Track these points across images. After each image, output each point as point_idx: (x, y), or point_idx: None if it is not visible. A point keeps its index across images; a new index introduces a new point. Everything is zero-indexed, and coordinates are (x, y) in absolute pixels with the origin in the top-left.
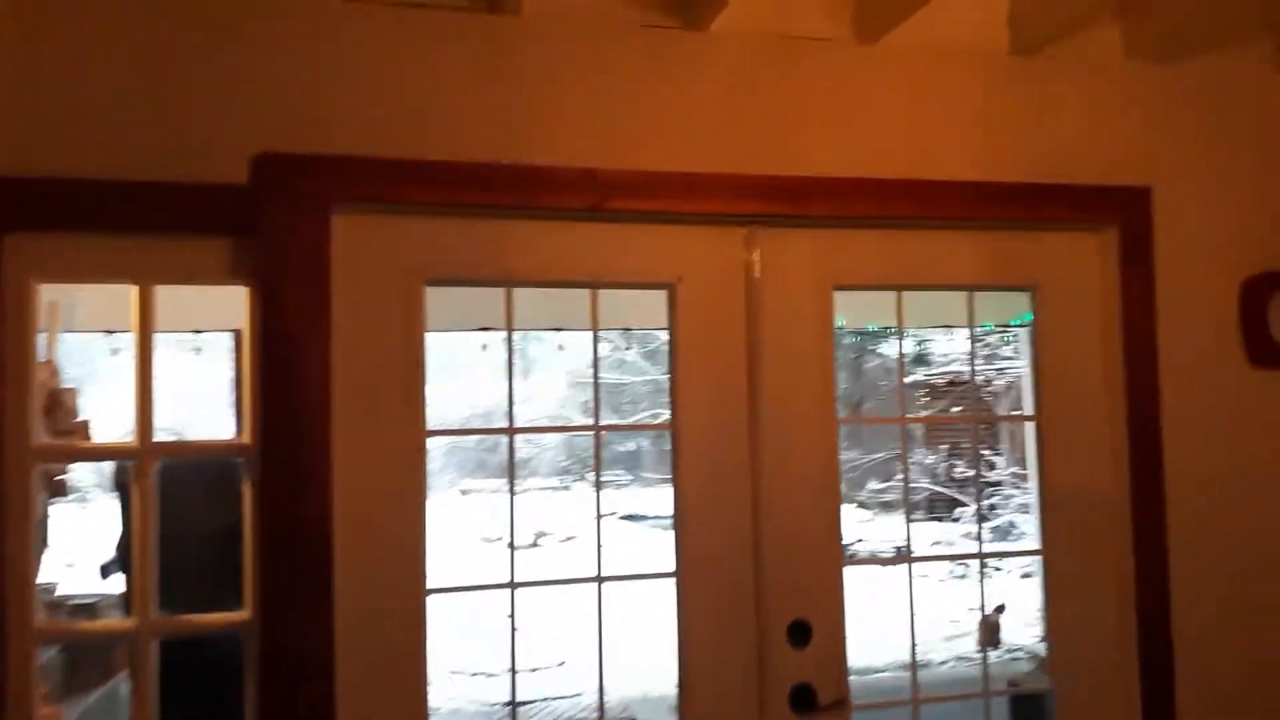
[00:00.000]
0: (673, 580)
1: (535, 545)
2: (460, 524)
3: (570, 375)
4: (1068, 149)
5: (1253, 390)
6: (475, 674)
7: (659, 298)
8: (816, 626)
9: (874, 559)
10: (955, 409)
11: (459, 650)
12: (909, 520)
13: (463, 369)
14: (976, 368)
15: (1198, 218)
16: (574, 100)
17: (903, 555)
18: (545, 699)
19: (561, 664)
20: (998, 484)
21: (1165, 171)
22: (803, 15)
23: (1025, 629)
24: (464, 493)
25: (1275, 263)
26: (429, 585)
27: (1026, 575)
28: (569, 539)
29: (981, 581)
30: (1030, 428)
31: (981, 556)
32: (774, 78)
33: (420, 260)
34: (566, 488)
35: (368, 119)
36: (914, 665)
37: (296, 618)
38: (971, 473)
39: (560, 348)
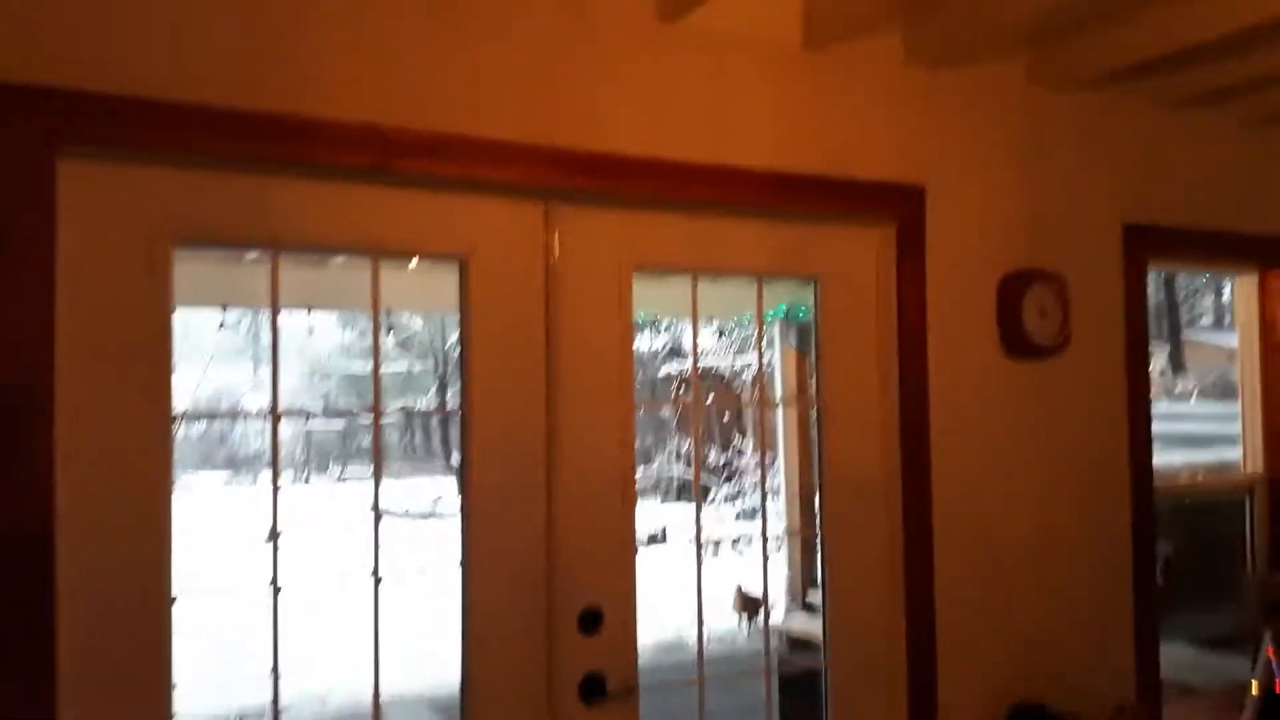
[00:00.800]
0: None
1: (271, 541)
2: (192, 522)
3: (312, 362)
4: (852, 145)
5: (1007, 379)
6: (222, 682)
7: (435, 280)
8: (608, 613)
9: (659, 540)
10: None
11: (204, 657)
12: (698, 505)
13: (193, 350)
14: (728, 359)
15: (964, 217)
16: (359, 46)
17: (692, 538)
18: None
19: (313, 666)
20: (742, 469)
21: (938, 172)
22: None
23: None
24: (189, 488)
25: (1029, 261)
26: (175, 589)
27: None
28: (314, 534)
29: (764, 563)
30: (788, 415)
31: (764, 537)
32: (577, 47)
33: (168, 218)
34: (306, 481)
35: (106, 48)
36: (701, 648)
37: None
38: (722, 459)
39: (310, 331)
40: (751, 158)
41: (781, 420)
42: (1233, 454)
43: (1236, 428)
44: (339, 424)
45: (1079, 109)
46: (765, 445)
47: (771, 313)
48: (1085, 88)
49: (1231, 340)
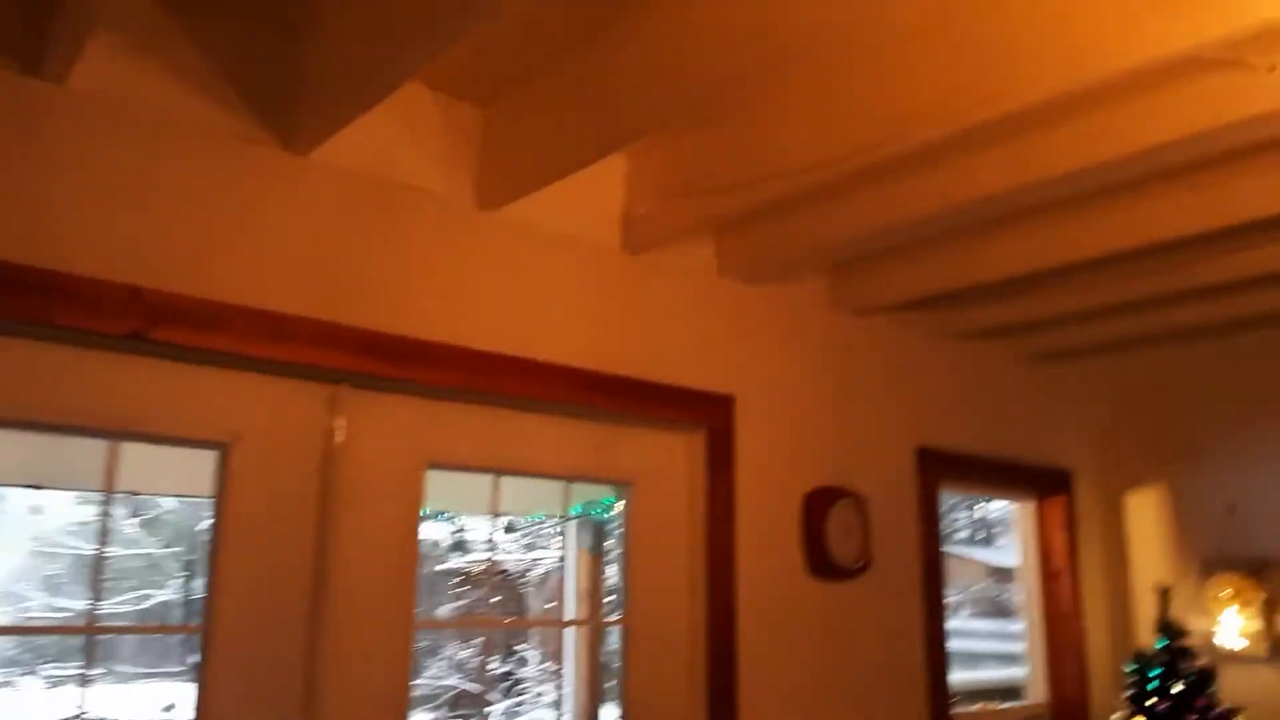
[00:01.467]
0: None
1: None
2: None
3: (39, 542)
4: (665, 350)
5: (813, 599)
6: None
7: (192, 458)
8: None
9: None
10: (494, 598)
11: None
12: None
13: None
14: (516, 556)
15: (772, 430)
16: (125, 199)
17: None
18: None
19: None
20: (523, 680)
21: (748, 384)
22: (420, 165)
23: None
24: None
25: (833, 479)
26: None
27: None
28: None
29: None
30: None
31: None
32: (380, 224)
33: None
34: (10, 684)
35: None
36: None
37: None
38: (505, 669)
39: (36, 510)
40: (562, 354)
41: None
42: (1006, 672)
43: (1008, 646)
44: (62, 615)
45: (879, 333)
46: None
47: (573, 509)
48: (884, 314)
49: (988, 556)
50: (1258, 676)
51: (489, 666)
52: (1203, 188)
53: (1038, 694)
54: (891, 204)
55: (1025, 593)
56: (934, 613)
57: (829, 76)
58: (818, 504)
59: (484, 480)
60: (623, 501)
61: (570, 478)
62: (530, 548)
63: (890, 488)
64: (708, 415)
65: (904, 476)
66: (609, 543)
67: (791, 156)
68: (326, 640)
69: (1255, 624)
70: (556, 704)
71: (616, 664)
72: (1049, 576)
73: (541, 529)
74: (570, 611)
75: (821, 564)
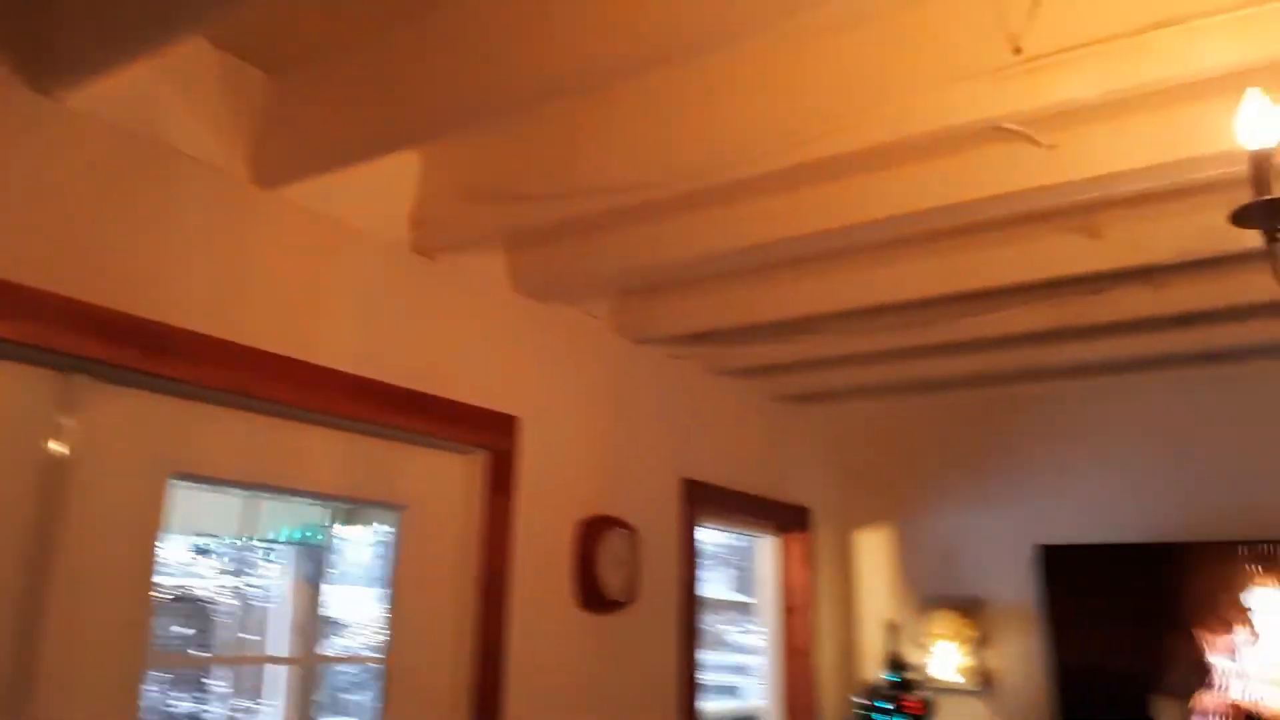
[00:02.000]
0: None
1: None
2: None
3: None
4: (452, 364)
5: (581, 632)
6: None
7: None
8: None
9: None
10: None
11: None
12: None
13: None
14: (209, 581)
15: (552, 454)
16: None
17: None
18: None
19: None
20: None
21: (532, 406)
22: (193, 128)
23: None
24: None
25: (606, 508)
26: None
27: None
28: None
29: None
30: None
31: None
32: (141, 189)
33: None
34: None
35: None
36: None
37: None
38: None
39: None
40: (342, 359)
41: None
42: (743, 703)
43: (742, 679)
44: None
45: (654, 365)
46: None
47: (288, 532)
48: (661, 345)
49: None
50: (969, 707)
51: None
52: (949, 252)
53: None
54: (689, 236)
55: (765, 626)
56: (688, 644)
57: (642, 101)
58: (591, 534)
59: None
60: (391, 528)
61: (339, 498)
62: (233, 573)
63: (657, 519)
64: (491, 436)
65: (669, 508)
66: (328, 571)
67: (596, 175)
68: (41, 681)
69: (968, 659)
70: None
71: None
72: (788, 610)
73: (242, 553)
74: (282, 646)
75: (592, 596)
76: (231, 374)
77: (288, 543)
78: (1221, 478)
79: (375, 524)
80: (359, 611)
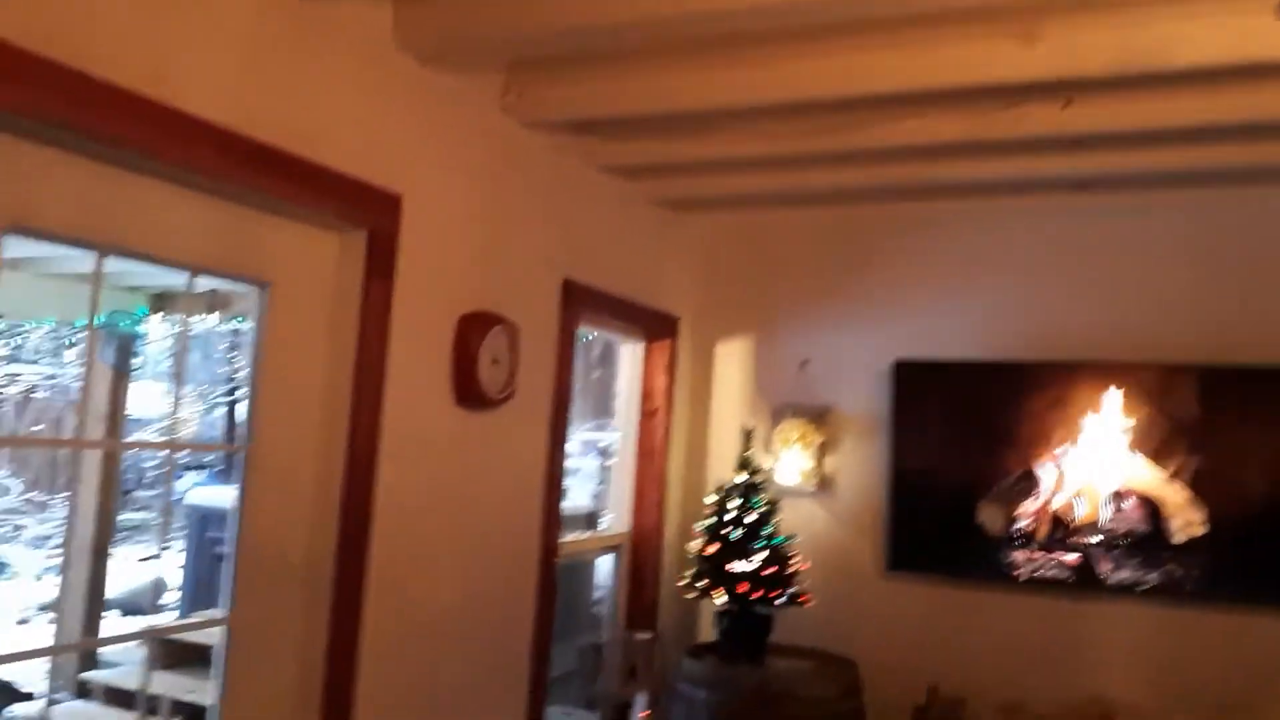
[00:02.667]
0: None
1: None
2: None
3: None
4: (330, 126)
5: (455, 428)
6: None
7: None
8: None
9: None
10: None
11: None
12: None
13: None
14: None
15: (435, 241)
16: None
17: None
18: None
19: None
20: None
21: (415, 183)
22: None
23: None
24: None
25: (487, 303)
26: None
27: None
28: None
29: None
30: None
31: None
32: None
33: None
34: None
35: None
36: None
37: None
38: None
39: None
40: (203, 105)
41: (98, 459)
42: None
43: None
44: None
45: (539, 154)
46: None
47: (100, 318)
48: (546, 134)
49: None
50: (806, 508)
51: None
52: (846, 52)
53: (622, 524)
54: (582, 4)
55: (622, 428)
56: (558, 445)
57: None
58: (472, 329)
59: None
60: (254, 307)
61: (195, 268)
62: (15, 360)
63: (536, 318)
64: (372, 213)
65: (549, 308)
66: (136, 359)
67: None
68: None
69: (809, 464)
70: (44, 539)
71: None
72: (646, 415)
73: (35, 340)
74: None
75: (469, 392)
76: (73, 107)
77: (100, 329)
78: (1068, 304)
79: (188, 315)
80: (163, 405)
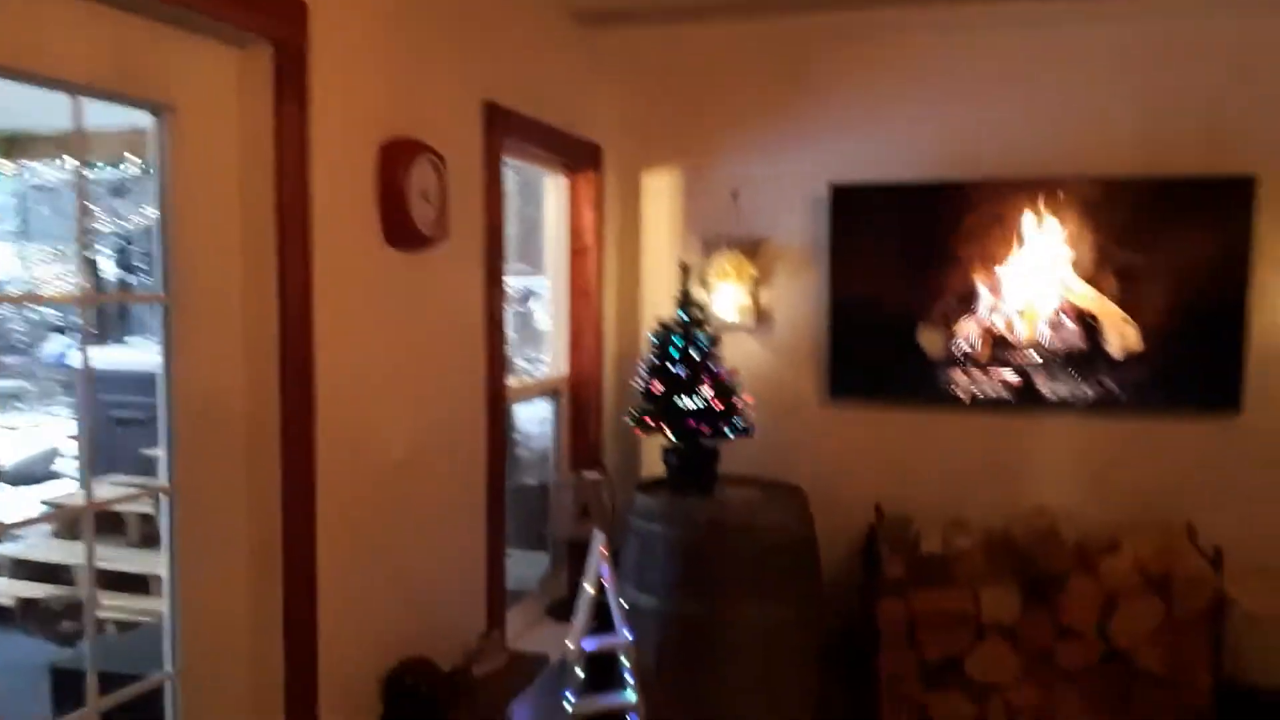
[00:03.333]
0: None
1: None
2: None
3: None
4: None
5: (390, 272)
6: None
7: None
8: None
9: None
10: None
11: None
12: None
13: None
14: None
15: (349, 56)
16: None
17: None
18: None
19: None
20: None
21: None
22: None
23: None
24: None
25: (409, 129)
26: None
27: None
28: None
29: None
30: None
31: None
32: None
33: None
34: None
35: None
36: None
37: None
38: None
39: None
40: None
41: None
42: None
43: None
44: None
45: None
46: None
47: None
48: None
49: None
50: (745, 344)
51: None
52: None
53: (559, 367)
54: None
55: (552, 269)
56: (495, 285)
57: None
58: (397, 159)
59: None
60: (158, 136)
61: (84, 87)
62: None
63: (460, 147)
64: (275, 21)
65: (472, 134)
66: None
67: None
68: None
69: (746, 300)
70: None
71: None
72: (575, 253)
73: None
74: None
75: (401, 231)
76: None
77: None
78: (1005, 120)
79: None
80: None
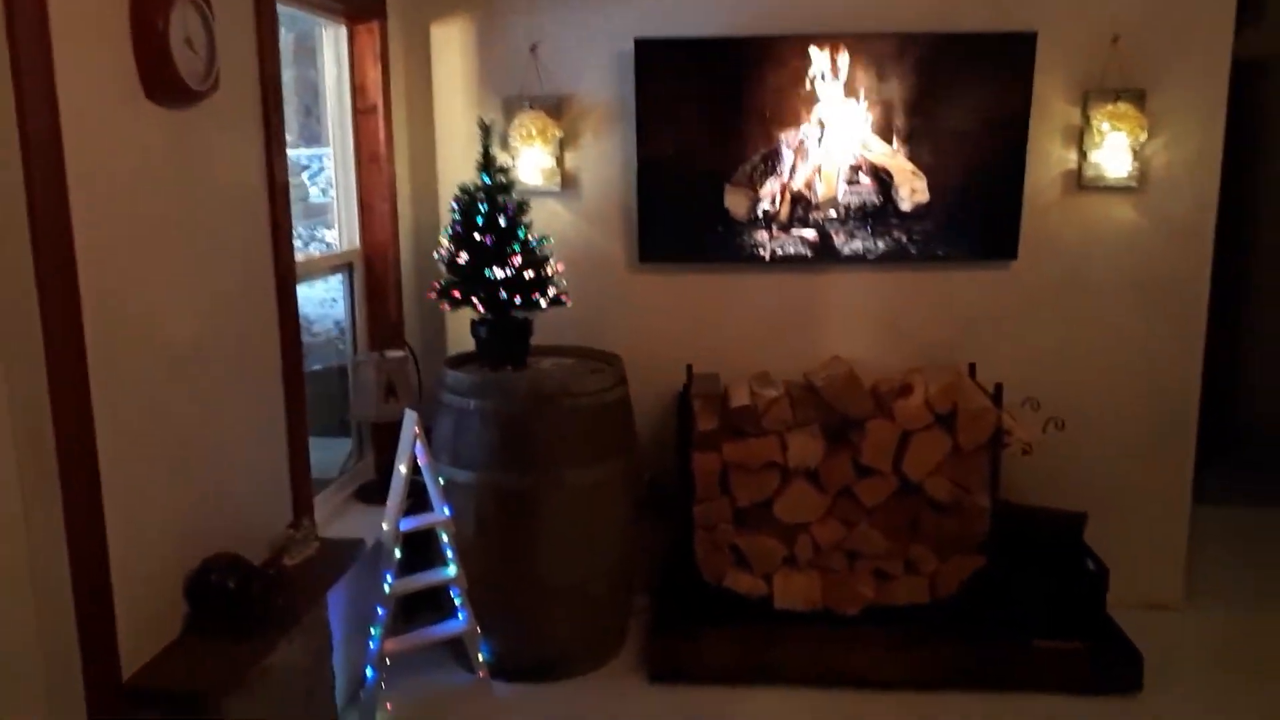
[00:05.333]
0: None
1: None
2: None
3: None
4: None
5: (158, 130)
6: None
7: None
8: None
9: None
10: None
11: None
12: None
13: None
14: None
15: None
16: None
17: None
18: None
19: None
20: None
21: None
22: None
23: None
24: None
25: None
26: None
27: None
28: None
29: None
30: None
31: None
32: None
33: None
34: None
35: None
36: None
37: None
38: None
39: None
40: None
41: None
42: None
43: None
44: None
45: None
46: None
47: None
48: None
49: None
50: (551, 209)
51: None
52: None
53: (351, 240)
54: None
55: (333, 138)
56: (276, 148)
57: None
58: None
59: None
60: None
61: None
62: None
63: None
64: None
65: None
66: None
67: None
68: None
69: (550, 162)
70: None
71: None
72: (362, 114)
73: None
74: None
75: (164, 82)
76: None
77: None
78: None
79: None
80: None
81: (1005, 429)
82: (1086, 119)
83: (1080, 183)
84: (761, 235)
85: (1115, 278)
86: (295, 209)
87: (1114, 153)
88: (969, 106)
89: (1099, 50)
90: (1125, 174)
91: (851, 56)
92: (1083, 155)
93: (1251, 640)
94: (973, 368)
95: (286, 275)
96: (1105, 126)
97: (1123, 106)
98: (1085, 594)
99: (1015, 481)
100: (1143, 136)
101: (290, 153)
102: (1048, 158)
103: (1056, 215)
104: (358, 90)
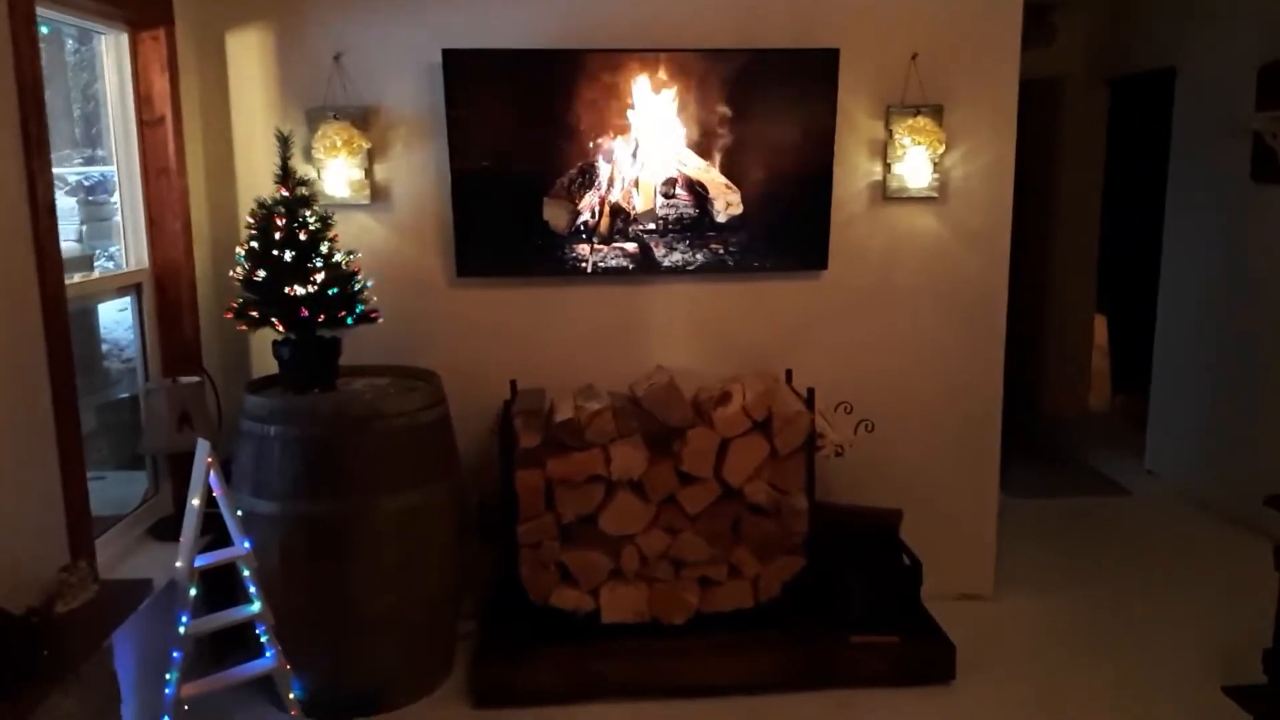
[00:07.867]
0: None
1: None
2: None
3: None
4: None
5: None
6: None
7: None
8: None
9: None
10: None
11: None
12: None
13: None
14: None
15: None
16: None
17: None
18: None
19: None
20: None
21: None
22: None
23: None
24: None
25: None
26: None
27: None
28: None
29: None
30: None
31: None
32: None
33: None
34: None
35: None
36: None
37: None
38: None
39: None
40: None
41: None
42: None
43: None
44: None
45: None
46: None
47: None
48: None
49: None
50: (360, 222)
51: None
52: None
53: (137, 258)
54: None
55: (116, 151)
56: (39, 162)
57: None
58: None
59: None
60: None
61: None
62: None
63: None
64: None
65: None
66: None
67: None
68: None
69: (358, 174)
70: None
71: None
72: (149, 126)
73: None
74: None
75: None
76: None
77: None
78: None
79: None
80: None
81: (819, 432)
82: (889, 133)
83: (885, 194)
84: (583, 248)
85: (921, 284)
86: (97, 227)
87: (915, 165)
88: (779, 122)
89: (899, 67)
90: (926, 185)
91: (665, 72)
92: (887, 168)
93: (1057, 625)
94: (789, 374)
95: (55, 301)
96: (906, 140)
97: (922, 121)
98: (901, 589)
99: (833, 483)
100: (941, 149)
101: (82, 169)
102: (855, 170)
103: (864, 225)
104: (143, 101)
